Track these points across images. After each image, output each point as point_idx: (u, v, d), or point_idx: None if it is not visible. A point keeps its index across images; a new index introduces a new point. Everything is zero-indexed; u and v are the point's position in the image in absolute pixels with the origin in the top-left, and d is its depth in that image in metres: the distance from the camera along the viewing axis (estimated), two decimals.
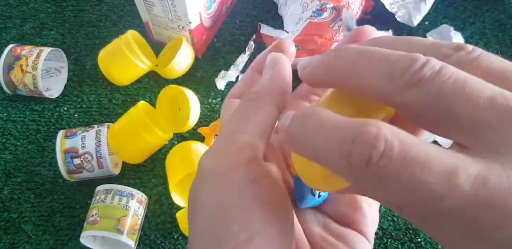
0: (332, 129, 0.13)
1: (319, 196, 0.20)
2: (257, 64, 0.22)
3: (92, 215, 0.50)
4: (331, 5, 0.62)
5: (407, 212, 0.13)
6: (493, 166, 0.11)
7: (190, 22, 0.60)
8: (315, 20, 0.61)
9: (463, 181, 0.11)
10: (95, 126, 0.57)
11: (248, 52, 0.64)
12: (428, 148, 0.12)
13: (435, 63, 0.13)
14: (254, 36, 0.65)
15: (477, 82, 0.12)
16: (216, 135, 0.59)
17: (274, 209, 0.16)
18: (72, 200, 0.56)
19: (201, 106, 0.61)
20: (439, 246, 0.52)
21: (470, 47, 0.14)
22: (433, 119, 0.13)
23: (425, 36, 0.66)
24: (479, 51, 0.13)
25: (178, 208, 0.54)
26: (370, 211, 0.21)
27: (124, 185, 0.52)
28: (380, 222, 0.54)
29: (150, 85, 0.66)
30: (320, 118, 0.14)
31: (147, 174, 0.58)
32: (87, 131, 0.55)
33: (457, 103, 0.12)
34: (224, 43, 0.70)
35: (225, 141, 0.18)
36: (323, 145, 0.13)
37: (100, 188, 0.52)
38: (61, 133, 0.55)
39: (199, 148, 0.53)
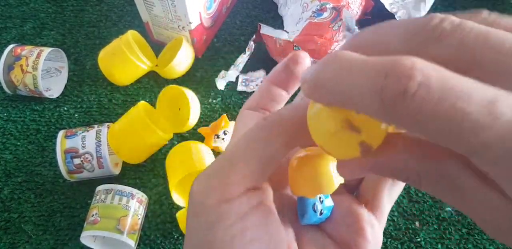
0: (361, 67, 0.12)
1: (320, 213, 0.20)
2: (273, 77, 0.21)
3: (92, 215, 0.50)
4: (331, 5, 0.62)
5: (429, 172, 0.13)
6: None
7: (190, 22, 0.60)
8: (315, 20, 0.61)
9: (505, 109, 0.11)
10: (95, 126, 0.57)
11: (248, 52, 0.64)
12: (466, 79, 0.11)
13: (454, 19, 0.12)
14: (254, 36, 0.65)
15: (499, 32, 0.12)
16: (216, 135, 0.59)
17: (264, 244, 0.16)
18: (72, 200, 0.56)
19: (201, 106, 0.61)
20: (439, 246, 0.53)
21: (485, 12, 0.13)
22: (459, 71, 0.12)
23: None
24: (494, 14, 0.13)
25: (178, 208, 0.54)
26: (372, 233, 0.20)
27: (124, 185, 0.52)
28: None
29: (150, 85, 0.66)
30: (347, 58, 0.13)
31: (147, 174, 0.58)
32: (87, 131, 0.55)
33: (483, 51, 0.12)
34: (224, 43, 0.70)
35: (223, 168, 0.17)
36: (353, 84, 0.12)
37: (100, 188, 0.52)
38: (61, 133, 0.55)
39: (199, 148, 0.53)
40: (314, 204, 0.20)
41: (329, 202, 0.20)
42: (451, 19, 0.12)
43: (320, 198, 0.20)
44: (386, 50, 0.13)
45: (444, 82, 0.11)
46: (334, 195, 0.20)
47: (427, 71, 0.11)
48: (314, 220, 0.20)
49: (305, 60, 0.21)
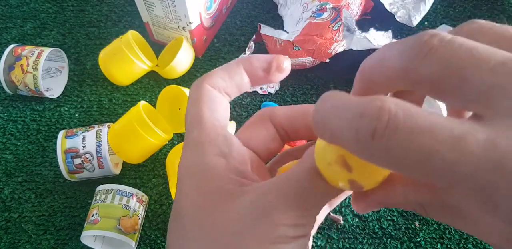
0: (344, 107, 0.13)
1: None
2: (250, 67, 0.21)
3: (93, 215, 0.50)
4: (331, 5, 0.62)
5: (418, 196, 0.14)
6: (503, 130, 0.11)
7: (190, 23, 0.60)
8: (315, 20, 0.61)
9: (472, 145, 0.11)
10: (96, 126, 0.57)
11: (248, 52, 0.64)
12: (435, 117, 0.12)
13: (445, 35, 0.13)
14: (254, 36, 0.65)
15: (488, 48, 0.12)
16: None
17: None
18: (73, 200, 0.56)
19: None
20: (438, 246, 0.53)
21: (479, 21, 0.14)
22: (448, 88, 0.12)
23: None
24: (479, 22, 0.14)
25: None
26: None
27: (125, 185, 0.52)
28: (379, 221, 0.54)
29: (150, 85, 0.66)
30: (336, 99, 0.14)
31: (147, 174, 0.58)
32: (88, 131, 0.55)
33: (468, 69, 0.12)
34: (224, 43, 0.70)
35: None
36: (337, 124, 0.13)
37: (100, 187, 0.52)
38: (61, 133, 0.55)
39: None
40: None
41: None
42: (441, 35, 0.13)
43: None
44: (386, 72, 0.14)
45: (412, 121, 0.11)
46: None
47: (394, 111, 0.12)
48: None
49: (287, 72, 0.21)
